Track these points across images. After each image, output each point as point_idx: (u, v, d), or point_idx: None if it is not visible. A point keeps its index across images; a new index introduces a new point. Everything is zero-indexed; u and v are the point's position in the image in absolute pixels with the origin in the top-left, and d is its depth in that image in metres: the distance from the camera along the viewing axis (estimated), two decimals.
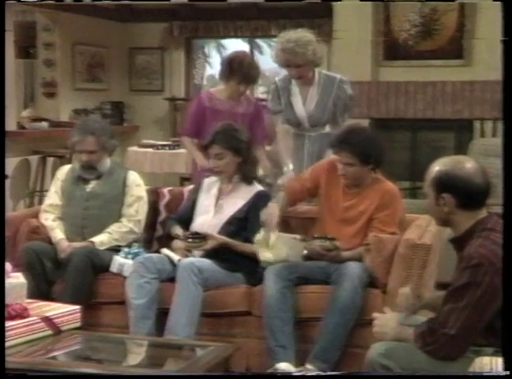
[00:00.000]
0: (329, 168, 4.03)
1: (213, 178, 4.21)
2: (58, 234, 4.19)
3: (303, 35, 4.59)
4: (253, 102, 5.07)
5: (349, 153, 3.84)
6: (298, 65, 4.59)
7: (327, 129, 4.76)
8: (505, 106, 2.73)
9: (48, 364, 2.87)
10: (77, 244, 4.11)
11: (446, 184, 2.77)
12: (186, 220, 4.15)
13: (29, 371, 2.73)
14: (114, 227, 4.22)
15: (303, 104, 4.72)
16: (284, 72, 4.89)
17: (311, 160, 4.63)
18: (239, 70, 4.81)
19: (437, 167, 2.81)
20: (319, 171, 4.09)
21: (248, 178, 4.11)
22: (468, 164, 2.79)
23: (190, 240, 3.95)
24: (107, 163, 4.33)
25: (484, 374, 2.41)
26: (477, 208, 2.79)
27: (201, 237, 3.94)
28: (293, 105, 4.73)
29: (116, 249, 4.15)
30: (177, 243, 4.05)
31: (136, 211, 4.28)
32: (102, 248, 4.14)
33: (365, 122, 6.88)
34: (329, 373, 3.53)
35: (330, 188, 4.01)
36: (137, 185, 4.33)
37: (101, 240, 4.17)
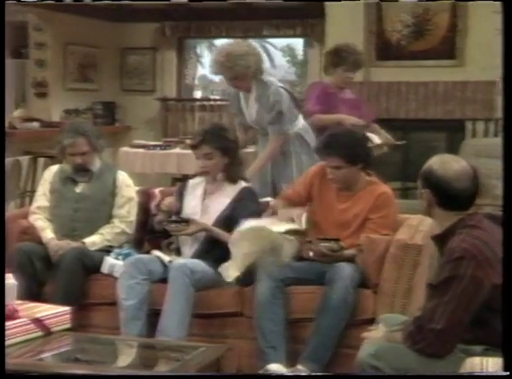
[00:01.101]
0: (321, 172, 4.02)
1: (198, 179, 4.19)
2: (48, 234, 4.18)
3: (237, 48, 4.61)
4: (350, 89, 5.37)
5: (335, 156, 3.84)
6: (229, 77, 4.66)
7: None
8: (505, 106, 2.73)
9: (38, 366, 2.86)
10: (66, 242, 4.10)
11: (428, 181, 2.82)
12: None
13: (20, 372, 2.72)
14: (106, 228, 4.21)
15: (247, 110, 4.81)
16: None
17: (274, 164, 4.80)
18: (347, 57, 5.11)
19: (428, 163, 2.84)
20: (312, 176, 4.08)
21: (233, 178, 4.09)
22: (455, 166, 2.80)
23: (173, 225, 3.95)
24: (98, 163, 4.33)
25: (484, 374, 2.41)
26: (459, 209, 2.81)
27: (183, 221, 3.94)
28: (242, 110, 4.83)
29: (107, 250, 4.14)
30: None
31: (128, 212, 4.28)
32: (93, 248, 4.13)
33: None
34: (320, 374, 3.53)
35: (324, 192, 4.01)
36: (126, 186, 4.33)
37: (93, 241, 4.16)
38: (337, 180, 3.92)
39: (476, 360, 2.45)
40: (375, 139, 4.86)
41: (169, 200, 4.17)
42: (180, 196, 4.20)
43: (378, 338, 2.88)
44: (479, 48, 6.62)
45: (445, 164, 2.81)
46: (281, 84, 4.88)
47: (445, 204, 2.80)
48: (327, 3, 7.15)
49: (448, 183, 2.77)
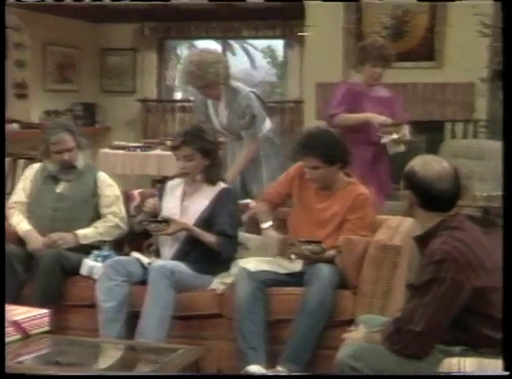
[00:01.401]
0: (300, 171, 4.03)
1: (177, 180, 4.18)
2: (24, 226, 4.15)
3: (206, 57, 4.61)
4: (384, 87, 5.14)
5: (312, 156, 3.85)
6: (200, 86, 4.65)
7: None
8: (505, 106, 2.74)
9: (16, 369, 2.83)
10: (58, 234, 4.09)
11: (410, 182, 2.83)
12: None
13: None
14: (99, 222, 4.22)
15: (216, 118, 4.80)
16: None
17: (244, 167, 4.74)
18: (372, 52, 4.94)
19: (411, 164, 2.85)
20: (292, 175, 4.09)
21: (212, 179, 4.09)
22: (436, 167, 2.80)
23: (153, 225, 3.93)
24: (81, 161, 4.33)
25: (484, 374, 2.41)
26: (440, 210, 2.81)
27: (164, 221, 3.93)
28: (210, 118, 4.81)
29: (86, 252, 4.12)
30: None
31: (119, 209, 4.29)
32: (85, 242, 4.14)
33: None
34: (299, 374, 3.54)
35: (303, 190, 4.02)
36: (109, 185, 4.33)
37: (85, 233, 4.16)
38: (315, 180, 3.93)
39: (454, 360, 2.47)
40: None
41: (152, 202, 4.15)
42: (159, 197, 4.19)
43: (358, 339, 2.88)
44: (458, 50, 6.65)
45: (426, 165, 2.81)
46: (250, 88, 4.87)
47: (426, 205, 2.81)
48: (307, 5, 7.16)
49: (429, 184, 2.77)
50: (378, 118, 4.82)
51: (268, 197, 4.18)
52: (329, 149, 3.85)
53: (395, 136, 4.82)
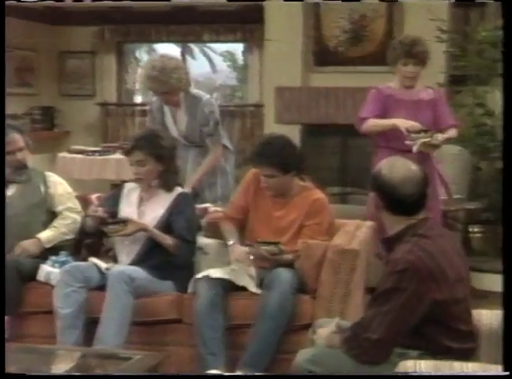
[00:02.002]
0: (255, 179, 4.02)
1: (133, 184, 4.14)
2: None
3: (168, 62, 4.63)
4: (431, 89, 4.78)
5: (268, 165, 3.84)
6: (162, 92, 4.64)
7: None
8: (505, 106, 2.75)
9: None
10: (21, 246, 4.05)
11: (375, 184, 2.80)
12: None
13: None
14: (58, 221, 4.18)
15: (174, 125, 4.79)
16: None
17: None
18: (401, 49, 4.58)
19: (379, 165, 2.84)
20: (247, 184, 4.08)
21: (168, 185, 4.05)
22: (402, 170, 2.76)
23: (110, 226, 3.89)
24: (30, 162, 4.30)
25: (485, 374, 2.42)
26: (406, 214, 2.78)
27: (121, 222, 3.89)
28: (167, 126, 4.80)
29: (43, 257, 4.07)
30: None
31: (74, 204, 4.26)
32: (49, 245, 4.10)
33: (296, 128, 6.95)
34: (261, 374, 3.55)
35: (259, 199, 4.01)
36: (60, 184, 4.32)
37: (47, 236, 4.13)
38: (271, 188, 3.93)
39: (410, 363, 2.48)
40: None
41: (94, 209, 4.04)
42: (115, 200, 4.14)
43: (321, 330, 2.89)
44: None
45: (393, 168, 2.78)
46: (208, 95, 4.89)
47: (391, 208, 2.78)
48: (266, 8, 7.17)
49: (393, 187, 2.74)
50: (405, 124, 4.43)
51: (230, 214, 4.11)
52: (284, 157, 3.83)
53: (423, 140, 4.38)
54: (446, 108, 4.73)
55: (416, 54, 4.54)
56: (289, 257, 3.83)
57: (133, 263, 3.94)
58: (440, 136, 4.48)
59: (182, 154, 4.76)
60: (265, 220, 3.97)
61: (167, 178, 4.04)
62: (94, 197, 4.50)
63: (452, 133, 4.66)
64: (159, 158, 3.97)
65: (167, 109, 4.80)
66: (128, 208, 4.08)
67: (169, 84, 4.58)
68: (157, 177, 4.03)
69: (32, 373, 2.73)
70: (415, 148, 4.35)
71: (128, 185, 4.17)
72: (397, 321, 2.65)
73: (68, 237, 4.18)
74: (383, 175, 2.77)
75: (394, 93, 4.63)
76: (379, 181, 2.78)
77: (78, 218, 4.21)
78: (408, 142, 4.38)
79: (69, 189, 4.33)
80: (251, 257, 3.87)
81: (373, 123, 4.57)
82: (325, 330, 2.92)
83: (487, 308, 2.93)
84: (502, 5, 2.89)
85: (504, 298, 2.51)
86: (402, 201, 2.75)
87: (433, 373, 2.42)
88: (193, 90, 4.82)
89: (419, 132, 4.38)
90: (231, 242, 4.00)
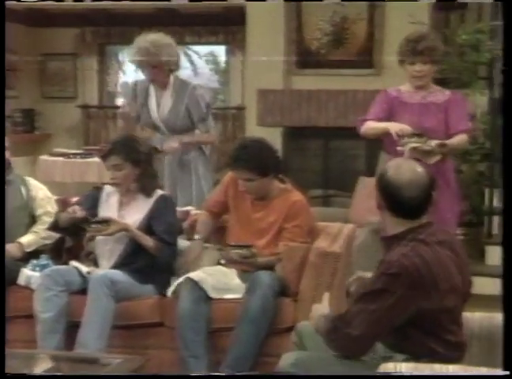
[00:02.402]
0: (234, 182, 4.01)
1: (111, 188, 4.10)
2: None
3: (161, 37, 4.65)
4: (446, 91, 4.37)
5: (245, 169, 3.84)
6: (152, 65, 4.61)
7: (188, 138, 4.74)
8: (505, 106, 2.75)
9: None
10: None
11: (380, 184, 2.78)
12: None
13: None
14: (37, 226, 4.18)
15: (157, 108, 4.75)
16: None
17: (172, 174, 4.74)
18: (408, 46, 4.19)
19: (387, 164, 2.83)
20: (226, 185, 4.07)
21: (147, 190, 4.02)
22: (407, 173, 2.73)
23: (93, 225, 3.87)
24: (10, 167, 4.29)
25: (484, 374, 2.42)
26: (408, 217, 2.75)
27: (103, 221, 3.88)
28: (149, 107, 4.76)
29: (24, 261, 4.05)
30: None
31: (53, 208, 4.25)
32: (30, 249, 4.09)
33: (278, 131, 6.95)
34: (244, 374, 3.54)
35: (239, 200, 4.01)
36: (40, 189, 4.31)
37: (28, 241, 4.12)
38: (250, 191, 3.93)
39: (390, 365, 2.48)
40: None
41: (72, 210, 4.01)
42: (94, 201, 4.10)
43: (316, 308, 2.91)
44: (396, 58, 6.72)
45: (398, 169, 2.75)
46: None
47: (393, 209, 2.75)
48: (248, 10, 7.17)
49: (398, 189, 2.71)
50: (396, 127, 4.10)
51: (207, 206, 4.16)
52: (261, 160, 3.83)
53: (413, 144, 4.01)
54: (459, 112, 4.27)
55: (422, 50, 4.15)
56: (264, 260, 3.82)
57: (115, 266, 3.92)
58: (434, 142, 4.06)
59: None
60: (244, 222, 3.97)
61: (145, 183, 4.01)
62: (74, 200, 4.48)
63: (459, 138, 4.22)
64: (135, 162, 3.94)
65: (152, 91, 4.76)
66: (108, 212, 4.04)
67: (159, 56, 4.56)
68: (135, 181, 4.00)
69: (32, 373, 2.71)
70: (405, 154, 4.00)
71: (107, 189, 4.13)
72: (380, 322, 2.65)
73: (47, 241, 4.17)
74: (389, 176, 2.74)
75: (401, 95, 4.31)
76: (384, 182, 2.75)
77: None
78: (398, 147, 4.07)
79: (49, 194, 4.33)
80: (222, 261, 3.86)
81: (369, 126, 4.28)
82: (319, 309, 2.91)
83: (468, 310, 2.93)
84: (503, 5, 2.90)
85: (504, 299, 2.51)
86: (405, 204, 2.72)
87: (432, 373, 2.43)
88: (182, 76, 4.82)
89: (411, 136, 4.04)
90: (196, 237, 4.01)
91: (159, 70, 4.63)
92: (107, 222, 3.87)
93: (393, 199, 2.73)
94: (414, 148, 3.99)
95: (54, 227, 4.08)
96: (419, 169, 2.77)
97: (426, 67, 4.20)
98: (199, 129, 4.75)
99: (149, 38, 4.60)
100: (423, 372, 2.43)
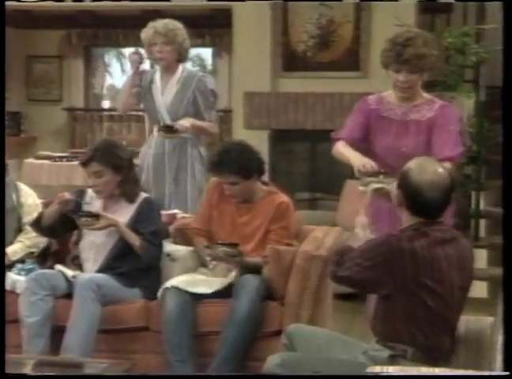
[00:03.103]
0: (217, 187, 4.00)
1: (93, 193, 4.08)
2: None
3: (176, 23, 4.77)
4: (436, 103, 3.64)
5: (229, 173, 3.82)
6: (166, 42, 4.68)
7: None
8: (505, 106, 2.75)
9: None
10: None
11: (402, 183, 2.82)
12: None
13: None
14: (22, 235, 4.15)
15: (161, 93, 4.78)
16: None
17: (171, 172, 4.74)
18: (392, 52, 3.52)
19: (409, 163, 2.84)
20: (210, 193, 4.05)
21: (129, 196, 3.99)
22: (430, 174, 2.77)
23: (82, 219, 3.84)
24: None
25: (485, 374, 2.43)
26: (427, 217, 2.79)
27: (93, 215, 3.85)
28: (152, 92, 4.79)
29: (9, 266, 4.03)
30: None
31: None
32: (15, 258, 4.06)
33: (264, 134, 6.94)
34: (232, 374, 3.54)
35: (223, 206, 3.99)
36: (30, 195, 4.29)
37: (14, 250, 4.09)
38: (235, 195, 3.91)
39: (377, 368, 2.49)
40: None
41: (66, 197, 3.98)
42: (78, 204, 4.05)
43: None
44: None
45: (422, 168, 2.79)
46: None
47: (413, 208, 2.79)
48: (234, 13, 7.16)
49: (419, 190, 2.75)
50: (358, 162, 3.43)
51: (198, 226, 4.05)
52: (244, 163, 3.82)
53: (375, 185, 3.36)
54: (446, 133, 3.53)
55: (408, 59, 3.47)
56: (251, 260, 3.81)
57: (100, 270, 3.90)
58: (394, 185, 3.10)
59: (158, 149, 4.77)
60: (230, 227, 3.96)
61: (127, 189, 3.98)
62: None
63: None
64: (116, 168, 3.91)
65: (157, 78, 4.79)
66: None
67: (174, 36, 4.67)
68: (117, 187, 3.96)
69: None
70: (367, 195, 3.39)
71: (90, 193, 4.10)
72: (359, 276, 2.79)
73: (32, 250, 4.14)
74: (411, 175, 2.77)
75: (381, 108, 3.65)
76: (406, 181, 2.78)
77: None
78: (359, 187, 3.44)
79: (38, 201, 4.30)
80: (208, 258, 3.85)
81: (337, 150, 3.66)
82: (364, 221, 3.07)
83: None
84: (503, 5, 2.91)
85: (504, 299, 2.53)
86: (426, 204, 2.77)
87: (432, 374, 2.44)
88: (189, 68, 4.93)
89: (375, 175, 3.38)
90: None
91: (171, 51, 4.70)
92: (96, 216, 3.85)
93: (415, 199, 2.77)
94: (377, 190, 3.36)
95: (35, 224, 4.02)
96: (441, 169, 2.80)
97: (412, 77, 3.52)
98: (205, 118, 4.78)
99: (166, 20, 4.73)
100: (412, 372, 2.44)
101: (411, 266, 2.69)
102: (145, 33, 4.79)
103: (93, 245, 3.95)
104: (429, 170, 2.78)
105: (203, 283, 3.82)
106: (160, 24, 4.73)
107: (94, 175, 3.92)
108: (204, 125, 4.77)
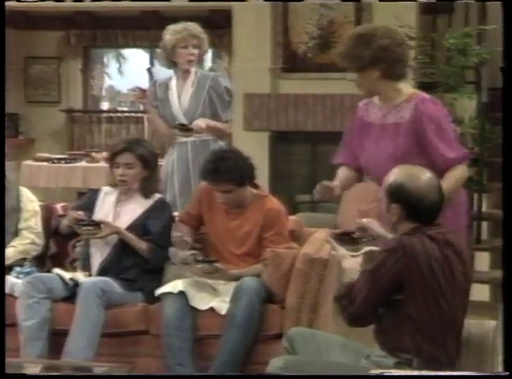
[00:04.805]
0: (207, 193, 3.98)
1: (109, 188, 4.08)
2: None
3: (196, 25, 4.83)
4: (417, 104, 3.33)
5: (224, 181, 3.81)
6: (196, 45, 4.73)
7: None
8: (505, 106, 2.73)
9: None
10: None
11: (399, 196, 2.79)
12: None
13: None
14: (16, 240, 4.13)
15: (178, 98, 4.79)
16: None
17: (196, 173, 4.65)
18: (369, 49, 3.33)
19: (393, 177, 2.82)
20: (200, 196, 4.04)
21: (148, 192, 4.01)
22: (424, 179, 2.78)
23: (84, 228, 3.84)
24: None
25: (485, 374, 2.44)
26: (427, 221, 2.79)
27: (95, 224, 3.84)
28: (169, 99, 4.80)
29: (8, 268, 4.00)
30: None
31: (35, 224, 4.20)
32: (8, 262, 4.03)
33: (264, 135, 6.92)
34: (233, 374, 3.53)
35: (213, 210, 3.98)
36: (30, 201, 4.26)
37: (6, 254, 4.05)
38: (229, 203, 3.90)
39: (375, 371, 2.48)
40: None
41: (73, 215, 4.00)
42: (91, 203, 4.07)
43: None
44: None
45: (412, 176, 2.79)
46: None
47: (415, 217, 2.78)
48: (234, 14, 7.15)
49: (421, 196, 2.75)
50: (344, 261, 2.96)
51: (184, 220, 4.08)
52: (238, 171, 3.82)
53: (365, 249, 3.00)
54: (441, 132, 3.26)
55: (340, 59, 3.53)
56: (236, 272, 3.79)
57: (103, 274, 3.88)
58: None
59: (181, 154, 4.77)
60: (222, 233, 3.94)
61: (148, 185, 4.01)
62: (59, 206, 4.43)
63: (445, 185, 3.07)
64: (146, 163, 3.96)
65: (173, 84, 4.81)
66: (104, 209, 4.02)
67: (202, 37, 4.74)
68: (140, 181, 4.00)
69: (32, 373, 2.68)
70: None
71: (105, 189, 4.12)
72: (377, 300, 2.73)
73: (24, 256, 4.12)
74: (405, 185, 2.77)
75: (366, 113, 3.46)
76: (403, 192, 2.77)
77: (36, 239, 4.16)
78: (332, 252, 3.15)
79: (37, 208, 4.28)
80: (188, 273, 3.84)
81: (337, 179, 3.54)
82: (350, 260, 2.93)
83: None
84: (503, 6, 2.91)
85: (504, 299, 2.55)
86: (428, 209, 2.77)
87: (432, 374, 2.46)
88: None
89: (346, 238, 3.05)
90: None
91: (198, 53, 4.75)
92: (98, 224, 3.85)
93: (417, 207, 2.76)
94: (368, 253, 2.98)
95: (56, 234, 4.10)
96: (428, 173, 2.82)
97: (356, 76, 3.37)
98: (222, 118, 4.81)
99: (190, 23, 4.79)
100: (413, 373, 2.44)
101: (426, 268, 2.69)
102: (175, 35, 4.73)
103: (98, 248, 3.95)
104: (419, 176, 2.80)
105: (202, 290, 3.78)
106: (190, 26, 4.76)
107: (125, 166, 3.95)
108: (219, 126, 4.81)
